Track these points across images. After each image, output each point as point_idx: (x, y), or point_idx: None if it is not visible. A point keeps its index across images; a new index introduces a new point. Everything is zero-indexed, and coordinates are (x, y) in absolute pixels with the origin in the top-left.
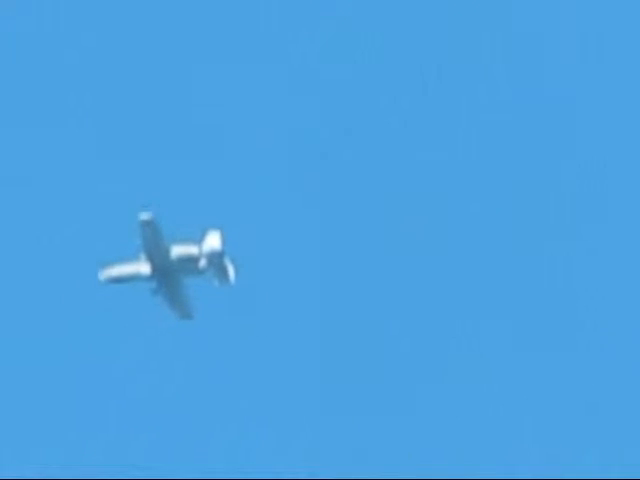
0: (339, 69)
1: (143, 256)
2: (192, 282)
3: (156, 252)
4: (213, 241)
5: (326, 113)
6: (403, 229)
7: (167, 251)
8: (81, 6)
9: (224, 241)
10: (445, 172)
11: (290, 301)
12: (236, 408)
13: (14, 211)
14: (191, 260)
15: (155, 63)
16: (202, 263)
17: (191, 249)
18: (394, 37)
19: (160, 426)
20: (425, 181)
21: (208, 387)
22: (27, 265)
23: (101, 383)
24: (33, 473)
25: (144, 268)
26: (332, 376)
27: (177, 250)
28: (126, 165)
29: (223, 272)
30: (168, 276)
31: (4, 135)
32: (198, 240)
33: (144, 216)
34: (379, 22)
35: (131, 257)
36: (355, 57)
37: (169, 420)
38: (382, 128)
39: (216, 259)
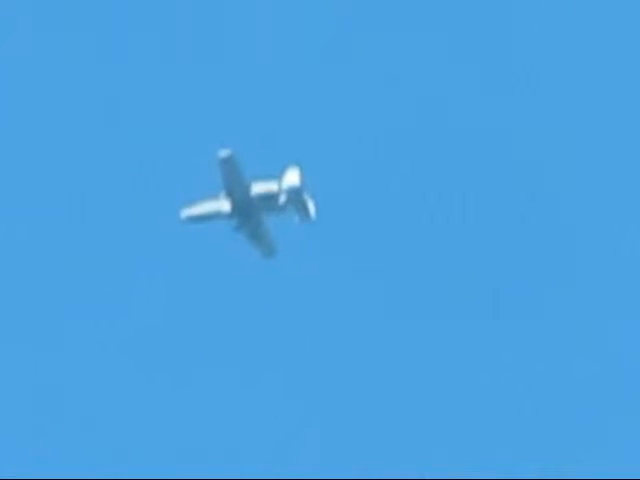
0: None
1: (223, 194)
2: (274, 219)
3: (236, 189)
4: (292, 177)
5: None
6: None
7: (247, 188)
8: None
9: (303, 177)
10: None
11: (370, 237)
12: (318, 345)
13: (95, 150)
14: (271, 197)
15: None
16: (282, 200)
17: (271, 186)
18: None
19: (243, 364)
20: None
21: (293, 323)
22: (109, 206)
23: (185, 323)
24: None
25: (224, 206)
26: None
27: (257, 187)
28: (205, 102)
29: (303, 208)
30: (249, 213)
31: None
32: (278, 177)
33: (223, 153)
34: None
35: (211, 195)
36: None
37: (252, 357)
38: None
39: (295, 195)
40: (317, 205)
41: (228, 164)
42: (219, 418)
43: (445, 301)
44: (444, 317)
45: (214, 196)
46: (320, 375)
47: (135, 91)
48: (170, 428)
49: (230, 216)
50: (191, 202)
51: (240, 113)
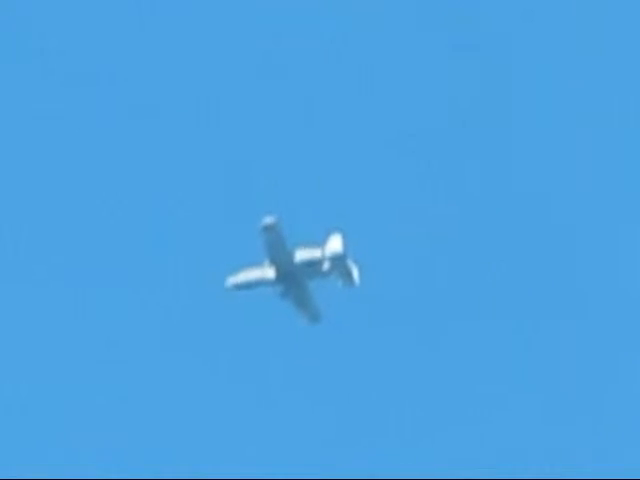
0: None
1: (267, 261)
2: (318, 285)
3: (280, 256)
4: (335, 244)
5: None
6: None
7: (290, 255)
8: None
9: (346, 244)
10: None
11: (414, 303)
12: (362, 410)
13: (142, 220)
14: (314, 263)
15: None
16: (325, 266)
17: (314, 252)
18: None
19: (289, 425)
20: None
21: (338, 388)
22: (155, 274)
23: (234, 387)
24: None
25: (269, 273)
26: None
27: (300, 254)
28: (247, 171)
29: (347, 274)
30: (293, 280)
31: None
32: (320, 243)
33: (267, 221)
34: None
35: (255, 263)
36: None
37: (297, 420)
38: None
39: (339, 262)
40: (361, 271)
41: (271, 231)
42: None
43: (491, 363)
44: (491, 384)
45: (258, 264)
46: (366, 440)
47: (180, 161)
48: None
49: (275, 283)
50: (236, 270)
51: (282, 180)
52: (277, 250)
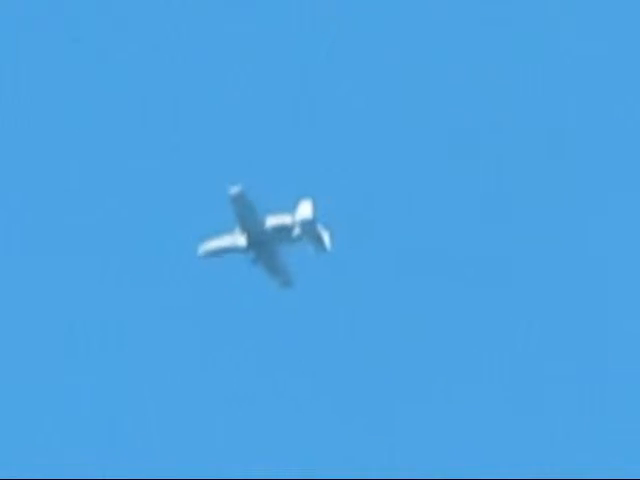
0: None
1: (238, 229)
2: (291, 251)
3: (250, 224)
4: (305, 210)
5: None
6: None
7: (261, 222)
8: None
9: (316, 209)
10: None
11: (386, 266)
12: (334, 373)
13: (115, 190)
14: (285, 229)
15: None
16: (296, 232)
17: (284, 219)
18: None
19: (259, 395)
20: None
21: (311, 351)
22: (129, 243)
23: (206, 352)
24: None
25: (240, 240)
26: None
27: (271, 221)
28: (217, 140)
29: (318, 240)
30: (264, 246)
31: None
32: (291, 210)
33: (233, 190)
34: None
35: (227, 230)
36: None
37: (270, 389)
38: None
39: (309, 227)
40: (331, 236)
41: (239, 200)
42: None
43: (462, 325)
44: (459, 344)
45: (230, 231)
46: (338, 404)
47: (153, 131)
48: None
49: (246, 250)
50: (207, 238)
51: (255, 146)
52: (247, 217)
